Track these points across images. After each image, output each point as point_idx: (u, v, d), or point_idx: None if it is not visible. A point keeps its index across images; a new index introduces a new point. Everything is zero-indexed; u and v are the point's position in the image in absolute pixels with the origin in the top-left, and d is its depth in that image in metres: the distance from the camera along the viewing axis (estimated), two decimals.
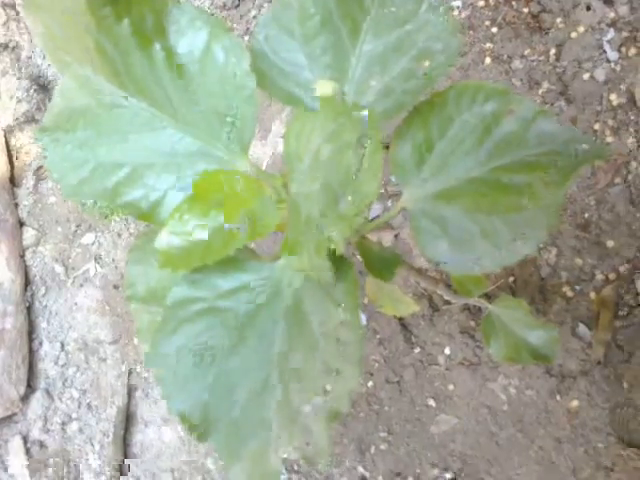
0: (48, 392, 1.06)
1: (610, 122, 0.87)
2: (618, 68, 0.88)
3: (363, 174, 0.31)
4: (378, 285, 0.57)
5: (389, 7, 0.47)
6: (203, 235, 0.39)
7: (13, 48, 1.11)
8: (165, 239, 0.39)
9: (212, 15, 0.42)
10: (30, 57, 1.14)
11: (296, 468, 0.88)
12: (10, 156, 1.15)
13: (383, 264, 0.50)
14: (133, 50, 0.41)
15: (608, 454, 0.77)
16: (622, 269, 0.81)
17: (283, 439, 0.35)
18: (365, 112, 0.34)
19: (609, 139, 0.86)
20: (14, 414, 1.04)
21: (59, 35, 0.41)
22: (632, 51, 0.87)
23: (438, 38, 0.45)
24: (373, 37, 0.46)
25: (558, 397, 0.80)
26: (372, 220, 0.96)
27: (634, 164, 0.84)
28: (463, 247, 0.46)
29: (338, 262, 0.35)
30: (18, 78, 1.10)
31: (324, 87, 0.40)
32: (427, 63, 0.44)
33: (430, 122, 0.47)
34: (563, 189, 0.42)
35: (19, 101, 1.11)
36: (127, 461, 0.98)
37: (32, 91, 1.12)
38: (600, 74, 0.88)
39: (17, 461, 1.00)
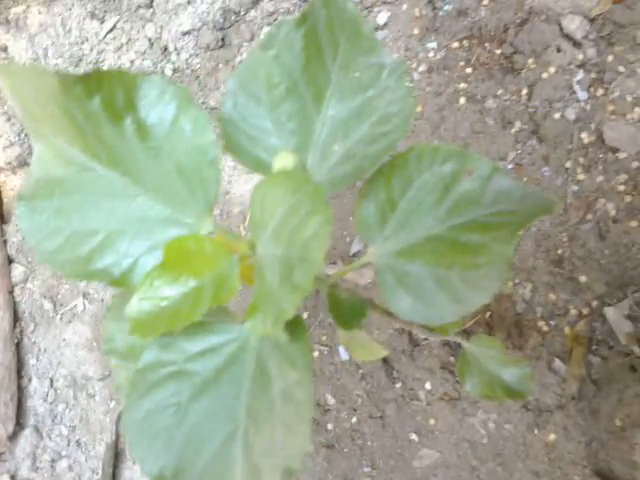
0: (37, 429, 1.07)
1: (581, 160, 0.90)
2: (588, 107, 0.91)
3: (312, 244, 0.34)
4: (348, 334, 0.59)
5: (353, 72, 0.49)
6: (172, 300, 0.41)
7: (1, 90, 1.13)
8: (135, 305, 0.41)
9: (180, 87, 0.44)
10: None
11: None
12: None
13: (350, 314, 0.53)
14: (105, 124, 0.43)
15: None
16: (594, 304, 0.83)
17: None
18: (321, 187, 0.36)
19: (580, 177, 0.89)
20: (2, 453, 1.05)
21: (34, 106, 0.43)
22: (600, 91, 0.90)
23: (395, 102, 0.48)
24: (337, 102, 0.49)
25: (536, 431, 0.82)
26: (354, 255, 0.98)
27: (602, 201, 0.87)
28: (424, 301, 0.48)
29: (293, 325, 0.37)
30: (8, 120, 1.13)
31: (285, 159, 0.42)
32: (386, 128, 0.46)
33: (392, 182, 0.50)
34: (511, 245, 0.44)
35: (11, 144, 1.14)
36: None
37: (23, 135, 1.15)
38: (570, 113, 0.91)
39: None
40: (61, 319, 1.12)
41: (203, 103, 1.10)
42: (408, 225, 0.49)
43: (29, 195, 0.44)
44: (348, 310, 0.53)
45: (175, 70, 1.12)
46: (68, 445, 1.05)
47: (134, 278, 0.43)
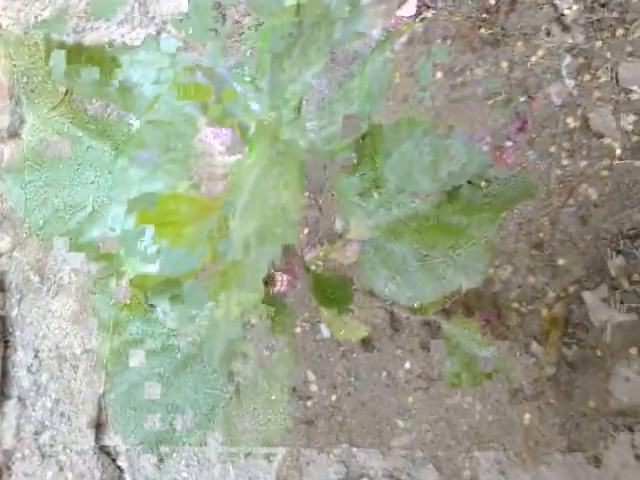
0: (21, 400, 1.08)
1: (565, 145, 0.91)
2: (575, 93, 0.92)
3: (287, 206, 0.34)
4: (332, 313, 0.60)
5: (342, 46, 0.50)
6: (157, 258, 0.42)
7: None
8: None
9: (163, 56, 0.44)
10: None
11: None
12: None
13: (335, 297, 0.54)
14: (93, 94, 0.44)
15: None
16: (572, 288, 0.85)
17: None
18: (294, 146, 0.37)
19: (564, 161, 0.90)
20: None
21: (26, 75, 0.44)
22: (587, 77, 0.91)
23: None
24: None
25: (511, 411, 0.84)
26: (340, 236, 0.99)
27: (585, 186, 0.88)
28: (407, 281, 0.49)
29: (270, 300, 0.38)
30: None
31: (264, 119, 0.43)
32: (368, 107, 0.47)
33: (377, 160, 0.51)
34: (494, 227, 0.46)
35: (1, 112, 1.13)
36: None
37: (14, 103, 1.14)
38: (557, 99, 0.92)
39: None
40: (48, 291, 1.12)
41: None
42: (392, 203, 0.50)
43: (18, 167, 0.44)
44: (333, 290, 0.54)
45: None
46: (51, 416, 1.06)
47: (121, 257, 0.44)
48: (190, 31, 0.44)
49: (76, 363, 1.07)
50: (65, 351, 1.08)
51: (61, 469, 1.02)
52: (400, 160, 0.50)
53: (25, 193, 0.44)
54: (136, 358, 0.41)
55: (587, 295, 0.84)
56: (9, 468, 1.04)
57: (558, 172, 0.91)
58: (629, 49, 0.90)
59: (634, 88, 0.90)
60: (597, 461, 0.79)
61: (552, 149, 0.91)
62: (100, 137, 0.44)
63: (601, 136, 0.90)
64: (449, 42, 0.96)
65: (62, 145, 0.43)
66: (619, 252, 0.84)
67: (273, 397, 0.36)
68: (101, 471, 0.98)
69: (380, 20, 0.55)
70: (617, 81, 0.90)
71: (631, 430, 0.78)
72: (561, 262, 0.87)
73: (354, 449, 0.88)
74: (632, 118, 0.90)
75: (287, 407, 0.35)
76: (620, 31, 0.91)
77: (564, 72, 0.92)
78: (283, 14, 0.40)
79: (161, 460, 0.94)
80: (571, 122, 0.91)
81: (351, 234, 0.50)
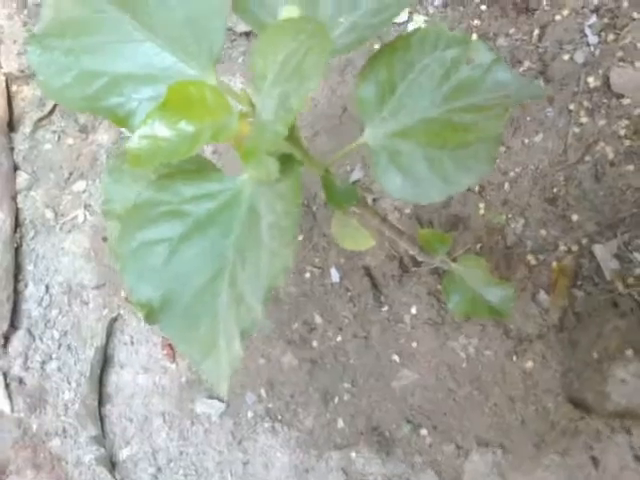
0: (30, 332, 1.10)
1: (585, 103, 0.91)
2: (597, 52, 0.91)
3: (308, 72, 0.35)
4: (341, 222, 0.61)
5: None
6: (170, 142, 0.43)
7: None
8: (135, 142, 0.43)
9: None
10: (38, 4, 1.17)
11: (279, 417, 0.92)
12: (10, 101, 1.19)
13: (343, 196, 0.54)
14: None
15: (557, 413, 0.81)
16: (583, 241, 0.85)
17: (230, 319, 0.38)
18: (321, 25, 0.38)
19: (583, 119, 0.90)
20: None
21: None
22: (611, 37, 0.90)
23: None
24: None
25: (514, 358, 0.84)
26: (354, 183, 1.00)
27: (602, 144, 0.88)
28: (415, 180, 0.49)
29: (286, 162, 0.39)
30: (24, 25, 1.14)
31: (290, 12, 0.44)
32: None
33: (393, 64, 0.51)
34: (502, 121, 0.46)
35: (26, 50, 1.14)
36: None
37: None
38: (579, 57, 0.91)
39: None
40: (61, 228, 1.14)
41: None
42: (406, 108, 0.51)
43: (42, 34, 0.45)
44: (341, 193, 0.55)
45: None
46: (59, 348, 1.08)
47: (136, 120, 0.44)
48: None
49: (86, 299, 1.09)
50: (76, 287, 1.10)
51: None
52: (420, 73, 0.51)
53: (46, 58, 0.45)
54: (148, 220, 0.42)
55: (598, 249, 0.83)
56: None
57: (576, 129, 0.90)
58: None
59: None
60: (596, 463, 0.78)
61: (571, 106, 0.91)
62: (122, 7, 0.45)
63: (621, 96, 0.90)
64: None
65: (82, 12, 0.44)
66: (615, 256, 0.84)
67: (277, 246, 0.37)
68: None
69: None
70: None
71: (629, 432, 0.77)
72: (574, 217, 0.87)
73: (353, 454, 0.87)
74: None
75: (290, 253, 0.36)
76: None
77: (588, 31, 0.92)
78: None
79: (159, 470, 0.95)
80: (592, 81, 0.91)
81: (364, 137, 0.50)
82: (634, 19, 0.91)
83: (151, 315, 0.42)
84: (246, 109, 0.45)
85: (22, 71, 1.18)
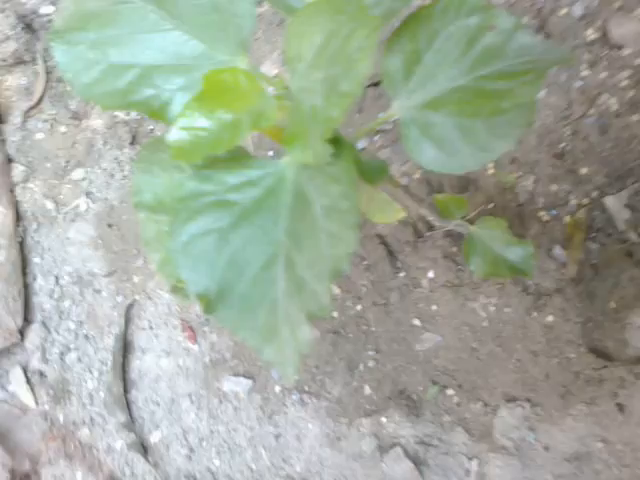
0: (45, 324, 1.09)
1: (586, 56, 0.91)
2: (594, 4, 0.91)
3: (357, 55, 0.35)
4: (369, 196, 0.61)
5: None
6: (211, 132, 0.42)
7: None
8: (175, 135, 0.42)
9: None
10: None
11: (307, 389, 0.93)
12: None
13: (374, 170, 0.54)
14: None
15: (579, 363, 0.83)
16: (594, 194, 0.86)
17: (293, 305, 0.39)
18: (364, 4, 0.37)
19: (584, 73, 0.90)
20: (13, 345, 1.07)
21: None
22: None
23: None
24: None
25: (534, 314, 0.86)
26: (361, 150, 1.00)
27: (606, 96, 0.88)
28: (448, 150, 0.49)
29: (337, 143, 0.39)
30: (2, 12, 1.10)
31: None
32: None
33: (418, 35, 0.51)
34: (537, 87, 0.46)
35: (7, 38, 1.11)
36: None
37: (19, 29, 1.12)
38: (577, 10, 0.91)
39: (20, 386, 1.04)
40: (64, 218, 1.13)
41: None
42: (433, 77, 0.50)
43: (64, 29, 0.44)
44: (372, 168, 0.55)
45: None
46: (76, 339, 1.08)
47: (171, 111, 0.44)
48: None
49: (98, 287, 1.08)
50: (86, 276, 1.09)
51: (91, 468, 1.01)
52: (445, 41, 0.50)
53: (71, 54, 0.44)
54: (195, 211, 0.41)
55: (609, 200, 0.85)
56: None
57: (579, 83, 0.90)
58: None
59: None
60: (621, 409, 0.80)
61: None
62: None
63: (621, 47, 0.90)
64: None
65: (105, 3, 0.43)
66: (626, 206, 0.85)
67: (337, 229, 0.37)
68: (131, 468, 0.98)
69: None
70: None
71: None
72: (583, 171, 0.87)
73: (383, 419, 0.89)
74: None
75: (353, 236, 0.36)
76: None
77: None
78: None
79: (191, 450, 0.96)
80: (591, 33, 0.91)
81: (392, 109, 0.50)
82: None
83: (209, 305, 0.42)
84: (280, 92, 0.44)
85: (4, 60, 1.14)
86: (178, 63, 0.44)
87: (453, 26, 0.50)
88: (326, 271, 0.37)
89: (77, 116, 1.16)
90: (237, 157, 0.46)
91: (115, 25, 0.44)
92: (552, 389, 0.83)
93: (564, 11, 0.92)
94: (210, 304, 0.42)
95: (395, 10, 0.47)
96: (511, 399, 0.85)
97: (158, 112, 0.44)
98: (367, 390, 0.91)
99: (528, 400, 0.84)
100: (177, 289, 0.52)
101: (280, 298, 0.40)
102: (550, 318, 0.85)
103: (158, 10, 0.44)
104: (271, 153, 1.01)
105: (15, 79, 1.19)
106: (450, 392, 0.88)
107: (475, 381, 0.88)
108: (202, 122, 0.42)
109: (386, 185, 0.64)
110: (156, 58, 0.44)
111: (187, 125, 0.42)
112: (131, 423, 0.99)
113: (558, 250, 0.86)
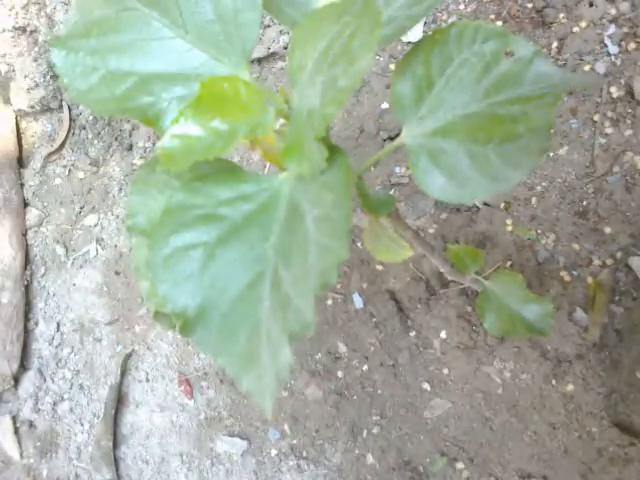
0: (41, 372, 1.05)
1: (609, 114, 0.88)
2: (618, 62, 0.90)
3: (358, 51, 0.33)
4: (375, 234, 0.58)
5: None
6: (204, 141, 0.40)
7: (31, 32, 1.14)
8: (167, 141, 0.40)
9: None
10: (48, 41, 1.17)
11: (305, 454, 0.87)
12: (20, 138, 1.17)
13: (380, 202, 0.51)
14: None
15: (602, 439, 0.76)
16: (618, 255, 0.82)
17: (276, 326, 0.35)
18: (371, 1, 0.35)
19: (608, 130, 0.88)
20: (5, 391, 1.03)
21: None
22: (632, 46, 0.89)
23: None
24: None
25: (553, 381, 0.80)
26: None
27: (630, 154, 0.85)
28: (459, 180, 0.46)
29: (330, 151, 0.36)
30: (35, 60, 1.13)
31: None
32: None
33: (430, 59, 0.49)
34: (554, 110, 0.43)
35: (36, 86, 1.13)
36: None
37: (49, 77, 1.15)
38: (601, 67, 0.90)
39: (5, 437, 0.98)
40: (72, 264, 1.11)
41: None
42: (445, 104, 0.48)
43: (65, 36, 0.43)
44: (378, 200, 0.52)
45: None
46: (71, 388, 1.03)
47: (167, 120, 0.42)
48: None
49: (99, 335, 1.05)
50: (88, 323, 1.06)
51: None
52: (459, 67, 0.48)
53: (70, 60, 0.43)
54: (181, 225, 0.39)
55: (635, 261, 0.80)
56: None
57: (602, 140, 0.88)
58: None
59: None
60: None
61: (595, 117, 0.89)
62: (151, 4, 0.43)
63: None
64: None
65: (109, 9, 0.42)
66: None
67: (328, 239, 0.34)
68: None
69: None
70: None
71: None
72: (607, 230, 0.83)
73: None
74: None
75: (344, 244, 0.33)
76: None
77: (608, 41, 0.91)
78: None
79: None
80: (615, 91, 0.89)
81: (401, 137, 0.48)
82: None
83: (187, 325, 0.38)
84: (280, 107, 0.42)
85: (32, 107, 1.17)
86: (178, 72, 0.43)
87: (468, 52, 0.49)
88: (312, 286, 0.34)
89: (96, 163, 1.16)
90: (230, 172, 0.44)
91: (117, 32, 0.43)
92: (572, 466, 0.76)
93: (587, 68, 0.91)
94: (188, 324, 0.38)
95: (407, 28, 0.46)
96: (526, 476, 0.78)
97: (153, 120, 0.42)
98: (370, 459, 0.84)
99: (545, 478, 0.77)
100: (159, 315, 0.49)
101: (263, 319, 0.36)
102: (570, 387, 0.78)
103: (161, 18, 0.42)
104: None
105: (40, 125, 1.21)
106: (460, 465, 0.81)
107: (487, 454, 0.80)
108: (196, 130, 0.40)
109: (396, 227, 0.61)
110: (156, 66, 0.43)
111: (179, 133, 0.40)
112: None
113: (580, 313, 0.80)
